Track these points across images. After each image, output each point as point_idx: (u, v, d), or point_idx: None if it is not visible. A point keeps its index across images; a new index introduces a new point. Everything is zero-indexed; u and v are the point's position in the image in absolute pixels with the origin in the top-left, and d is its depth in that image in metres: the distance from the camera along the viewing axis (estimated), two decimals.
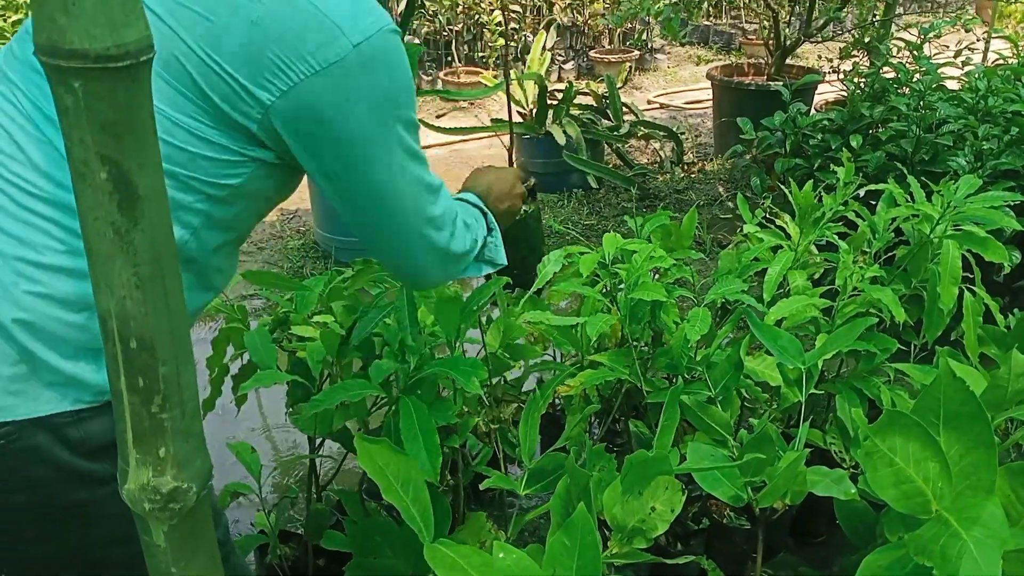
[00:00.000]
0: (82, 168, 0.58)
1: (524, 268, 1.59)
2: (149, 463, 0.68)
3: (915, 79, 2.95)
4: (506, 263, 1.30)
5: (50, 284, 0.85)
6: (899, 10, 7.40)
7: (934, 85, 2.93)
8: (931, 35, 3.26)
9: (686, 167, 4.27)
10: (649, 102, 5.52)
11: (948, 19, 3.41)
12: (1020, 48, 3.34)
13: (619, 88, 4.17)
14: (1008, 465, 0.99)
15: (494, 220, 1.28)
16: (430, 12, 5.88)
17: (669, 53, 6.46)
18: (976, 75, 2.91)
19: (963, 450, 0.92)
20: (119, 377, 0.65)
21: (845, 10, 4.25)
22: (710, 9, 6.15)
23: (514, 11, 5.98)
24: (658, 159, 4.36)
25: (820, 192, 2.05)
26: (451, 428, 1.61)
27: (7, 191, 0.85)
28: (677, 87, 5.83)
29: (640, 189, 3.92)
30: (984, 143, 2.68)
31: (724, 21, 6.80)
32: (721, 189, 4.00)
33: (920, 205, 1.88)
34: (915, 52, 3.22)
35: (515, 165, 4.13)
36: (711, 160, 4.37)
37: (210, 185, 0.90)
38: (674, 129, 4.42)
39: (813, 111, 4.01)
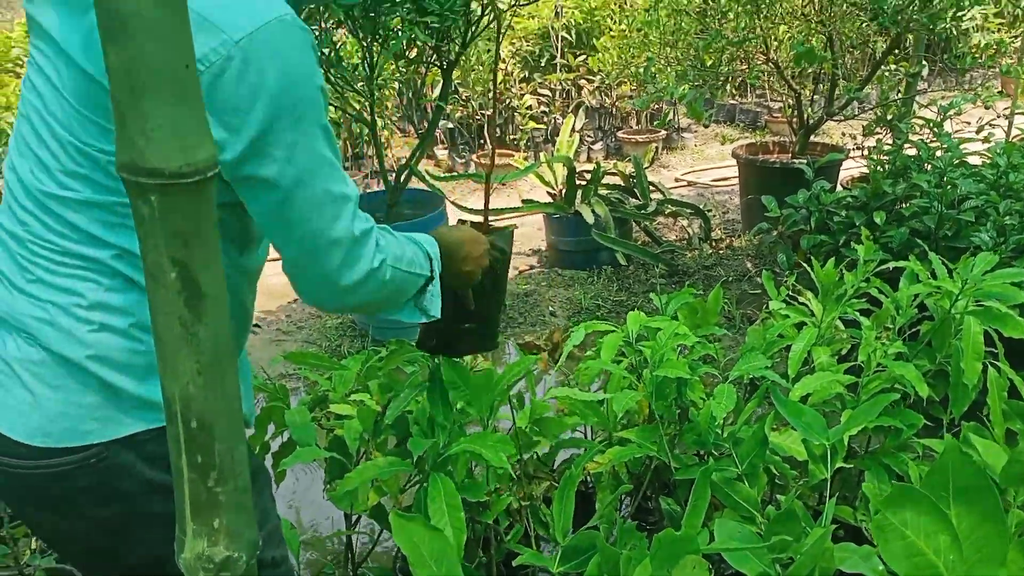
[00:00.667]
0: (155, 270, 0.66)
1: (488, 323, 1.51)
2: (204, 534, 0.74)
3: (936, 156, 3.01)
4: (439, 316, 1.24)
5: (105, 319, 0.96)
6: (923, 85, 7.51)
7: (955, 161, 2.99)
8: (951, 112, 3.33)
9: (714, 243, 4.33)
10: (677, 180, 5.63)
11: (968, 96, 3.48)
12: None
13: (646, 167, 4.28)
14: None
15: (438, 270, 1.21)
16: (463, 97, 6.10)
17: (696, 132, 6.61)
18: (997, 151, 2.97)
19: (974, 523, 0.94)
20: (180, 455, 0.72)
21: (867, 88, 4.36)
22: (733, 90, 6.29)
23: (544, 95, 6.18)
24: (686, 236, 4.43)
25: (842, 269, 2.10)
26: (483, 504, 1.65)
27: (43, 255, 0.97)
28: (704, 165, 5.94)
29: (669, 265, 3.98)
30: (1006, 219, 2.71)
31: (750, 100, 6.96)
32: (749, 265, 4.05)
33: (941, 281, 1.92)
34: (936, 129, 3.29)
35: (546, 243, 4.25)
36: (739, 236, 4.43)
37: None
38: (701, 206, 4.51)
39: (839, 187, 4.07)
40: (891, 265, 2.14)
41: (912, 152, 3.25)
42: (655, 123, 6.01)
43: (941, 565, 0.91)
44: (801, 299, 2.09)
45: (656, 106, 6.27)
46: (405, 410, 1.60)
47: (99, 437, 0.97)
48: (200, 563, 0.75)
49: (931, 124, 3.29)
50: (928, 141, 3.27)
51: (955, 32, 8.07)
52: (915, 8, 3.42)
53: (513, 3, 3.47)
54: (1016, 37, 6.75)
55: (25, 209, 0.97)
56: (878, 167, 3.16)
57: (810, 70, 4.13)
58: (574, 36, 6.32)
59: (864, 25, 3.64)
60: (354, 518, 1.80)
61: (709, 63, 3.85)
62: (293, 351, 1.77)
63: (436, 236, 1.24)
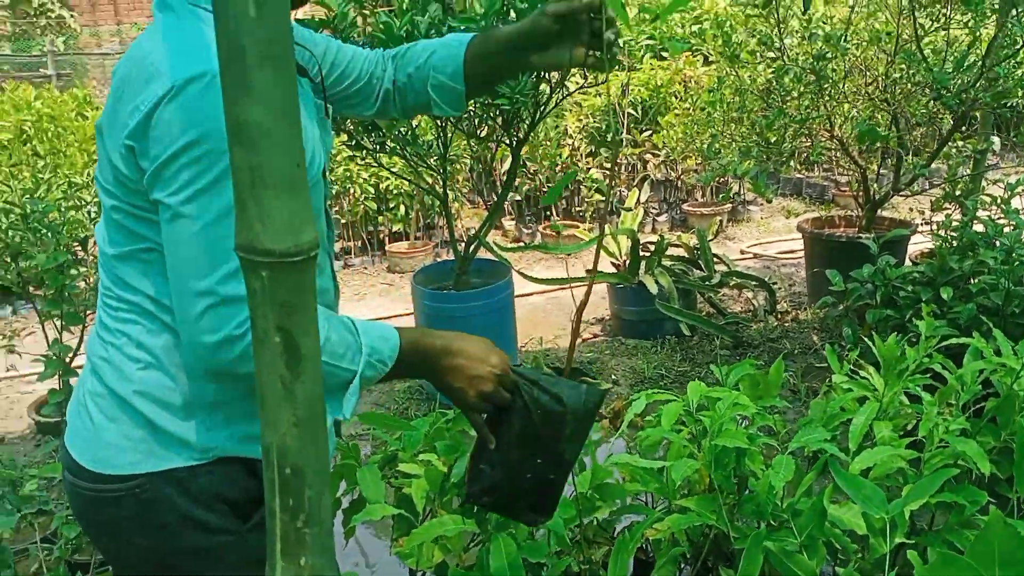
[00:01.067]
0: (261, 334, 0.77)
1: (562, 476, 1.31)
2: (292, 572, 0.83)
3: (1004, 232, 3.00)
4: (347, 417, 1.10)
5: (148, 358, 1.09)
6: (995, 160, 7.41)
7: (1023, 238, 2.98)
8: (1019, 189, 3.32)
9: (780, 316, 4.33)
10: (742, 252, 5.66)
11: None
12: None
13: (710, 239, 4.34)
14: None
15: (373, 371, 1.09)
16: (531, 171, 6.29)
17: (761, 205, 6.64)
18: None
19: None
20: (274, 498, 0.81)
21: (936, 163, 4.36)
22: (799, 164, 6.33)
23: (610, 168, 6.33)
24: (752, 308, 4.45)
25: (904, 344, 2.11)
26: (543, 566, 1.70)
27: (107, 303, 1.14)
28: (770, 238, 5.96)
29: (733, 337, 4.00)
30: None
31: (817, 174, 6.97)
32: (815, 338, 4.03)
33: (1005, 358, 1.92)
34: (1004, 205, 3.28)
35: (610, 312, 4.31)
36: (804, 309, 4.43)
37: None
38: (767, 278, 4.53)
39: (907, 262, 4.05)
40: (956, 341, 2.15)
41: (980, 228, 3.25)
42: (719, 196, 6.07)
43: None
44: (862, 373, 2.11)
45: (721, 179, 6.34)
46: None
47: (143, 468, 1.10)
48: None
49: (998, 201, 3.28)
50: (996, 217, 3.26)
51: None
52: (980, 87, 3.44)
53: (581, 85, 3.63)
54: None
55: (101, 266, 1.15)
56: (945, 243, 3.15)
57: (876, 146, 4.16)
58: (640, 112, 6.47)
59: (928, 103, 3.68)
60: (419, 575, 1.86)
61: (773, 140, 3.92)
62: (365, 412, 1.87)
63: (421, 334, 1.17)
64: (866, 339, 2.30)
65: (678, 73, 5.94)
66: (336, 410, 1.09)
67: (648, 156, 6.29)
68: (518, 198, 6.37)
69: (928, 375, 2.10)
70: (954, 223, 3.16)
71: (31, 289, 3.81)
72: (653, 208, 6.43)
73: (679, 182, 6.45)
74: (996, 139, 7.52)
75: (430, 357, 1.16)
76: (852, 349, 2.39)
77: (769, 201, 5.10)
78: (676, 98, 6.07)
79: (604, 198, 6.15)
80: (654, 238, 4.34)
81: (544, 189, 6.34)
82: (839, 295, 3.35)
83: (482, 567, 1.58)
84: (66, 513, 2.13)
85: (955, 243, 3.23)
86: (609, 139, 6.45)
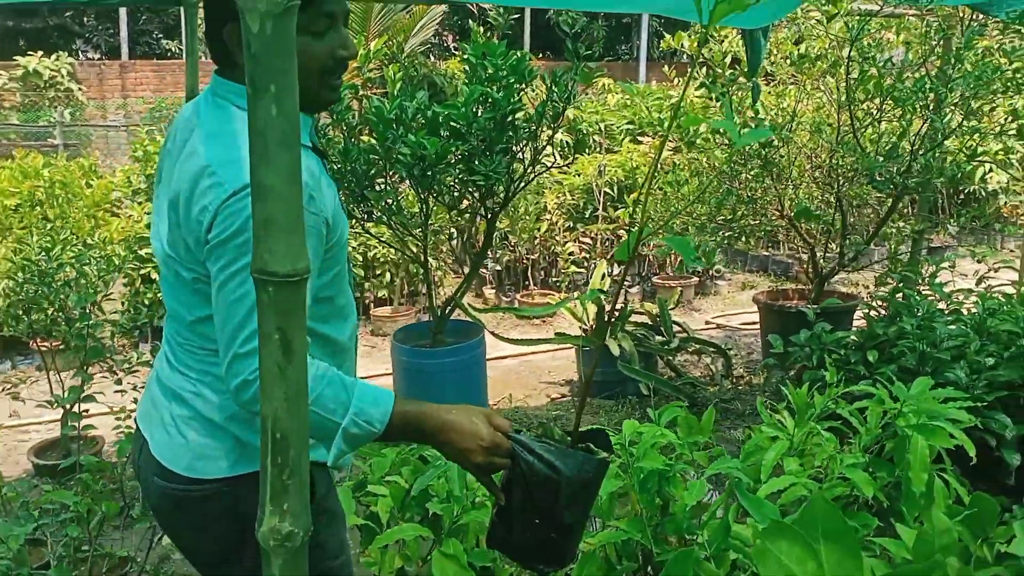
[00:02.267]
0: (266, 333, 1.08)
1: (566, 535, 1.40)
2: (277, 513, 1.12)
3: (921, 302, 3.36)
4: (330, 463, 1.30)
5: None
6: (952, 241, 7.87)
7: (942, 307, 3.33)
8: (944, 265, 3.69)
9: (735, 380, 4.65)
10: (707, 322, 6.01)
11: (962, 252, 3.84)
12: None
13: (672, 308, 4.68)
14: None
15: (359, 428, 1.27)
16: (511, 242, 6.67)
17: (729, 280, 7.03)
18: (979, 300, 3.31)
19: (839, 557, 1.26)
20: (267, 456, 1.11)
21: (887, 241, 4.75)
22: (767, 242, 6.75)
23: (585, 243, 6.72)
24: (710, 372, 4.76)
25: (814, 392, 2.44)
26: (489, 571, 1.97)
27: (187, 354, 1.42)
28: (734, 310, 6.32)
29: (689, 397, 4.30)
30: (985, 358, 3.02)
31: (782, 252, 7.38)
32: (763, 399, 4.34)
33: (886, 405, 2.24)
34: (929, 279, 3.65)
35: (578, 374, 4.62)
36: (758, 374, 4.74)
37: None
38: (727, 347, 4.86)
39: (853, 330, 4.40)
40: (858, 389, 2.47)
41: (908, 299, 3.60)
42: (686, 269, 6.45)
43: None
44: (777, 416, 2.42)
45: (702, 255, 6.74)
46: (429, 486, 1.96)
47: (229, 472, 1.39)
48: (272, 534, 1.12)
49: (922, 277, 3.65)
50: (923, 291, 3.62)
51: (983, 193, 8.50)
52: (909, 175, 3.85)
53: (552, 164, 4.02)
54: None
55: (176, 321, 1.44)
56: (870, 311, 3.50)
57: (823, 225, 4.55)
58: (615, 191, 6.90)
59: (864, 188, 4.08)
60: None
61: (729, 217, 4.31)
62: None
63: (416, 408, 1.33)
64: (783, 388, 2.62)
65: (644, 156, 6.39)
66: (323, 455, 1.32)
67: (621, 232, 6.69)
68: (499, 268, 6.73)
69: (839, 421, 2.42)
70: (879, 293, 3.51)
71: (38, 341, 4.10)
72: (627, 280, 6.79)
73: (650, 256, 6.83)
74: (952, 224, 7.98)
75: (423, 431, 1.33)
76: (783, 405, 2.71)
77: (718, 271, 5.46)
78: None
79: (579, 269, 6.52)
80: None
81: (523, 260, 6.72)
82: (781, 358, 3.67)
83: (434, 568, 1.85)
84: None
85: (887, 313, 3.59)
86: (587, 216, 6.87)
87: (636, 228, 1.57)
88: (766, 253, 7.38)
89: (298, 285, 1.07)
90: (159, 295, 4.30)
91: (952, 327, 3.20)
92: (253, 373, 1.21)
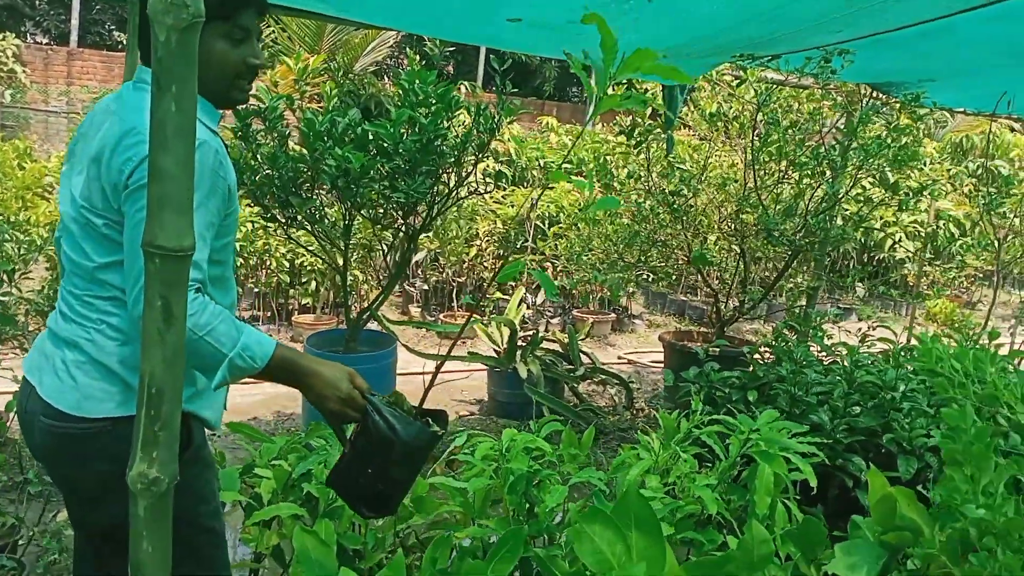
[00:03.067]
0: (150, 300, 1.23)
1: (391, 489, 1.63)
2: (146, 460, 1.27)
3: (799, 351, 3.64)
4: (212, 387, 1.47)
5: (125, 336, 1.53)
6: (857, 303, 8.30)
7: (826, 359, 3.62)
8: (826, 320, 3.99)
9: (635, 411, 4.88)
10: (619, 357, 6.25)
11: (842, 312, 4.15)
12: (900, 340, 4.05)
13: (583, 339, 4.90)
14: (687, 565, 1.50)
15: (246, 362, 1.45)
16: (441, 265, 6.84)
17: (648, 321, 7.32)
18: (848, 354, 3.60)
19: (646, 544, 1.45)
20: (142, 408, 1.26)
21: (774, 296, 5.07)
22: (682, 287, 7.06)
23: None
24: (614, 403, 4.99)
25: (681, 418, 2.66)
26: (360, 555, 2.11)
27: (81, 304, 1.57)
28: (647, 348, 6.58)
29: (587, 423, 4.51)
30: (852, 406, 3.30)
31: (698, 298, 7.71)
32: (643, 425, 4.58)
33: (744, 434, 2.47)
34: (813, 332, 3.94)
35: (487, 394, 4.79)
36: (658, 408, 4.98)
37: None
38: (630, 380, 5.09)
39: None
40: (722, 419, 2.70)
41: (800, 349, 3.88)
42: (610, 306, 6.71)
43: (614, 561, 1.41)
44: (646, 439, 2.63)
45: (621, 293, 7.01)
46: (310, 470, 2.11)
47: (115, 413, 1.53)
48: (140, 479, 1.27)
49: (811, 329, 3.94)
50: (808, 344, 3.91)
51: (891, 260, 8.98)
52: (802, 234, 4.16)
53: (474, 192, 4.22)
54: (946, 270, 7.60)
55: (74, 275, 1.58)
56: (754, 356, 3.77)
57: (727, 273, 4.85)
58: (547, 225, 7.15)
59: (765, 243, 4.37)
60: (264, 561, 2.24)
61: (638, 258, 4.57)
62: (235, 422, 2.29)
63: (294, 354, 1.52)
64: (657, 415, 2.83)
65: (566, 195, 6.66)
66: (203, 409, 1.57)
67: (547, 264, 6.92)
68: (426, 288, 6.89)
69: (705, 448, 2.63)
70: (765, 340, 3.78)
71: None
72: (549, 311, 7.02)
73: (575, 291, 7.08)
74: (860, 287, 8.42)
75: (295, 373, 1.53)
76: None
77: (625, 308, 5.72)
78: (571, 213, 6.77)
79: (505, 296, 6.72)
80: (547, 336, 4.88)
81: (451, 283, 6.89)
82: (672, 391, 3.91)
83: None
84: None
85: (768, 360, 3.86)
86: (518, 246, 7.09)
87: (518, 259, 1.76)
88: (684, 298, 7.71)
89: (182, 260, 1.23)
90: None
91: (824, 376, 3.48)
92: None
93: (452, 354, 4.11)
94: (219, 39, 1.55)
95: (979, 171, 9.94)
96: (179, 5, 1.08)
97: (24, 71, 12.25)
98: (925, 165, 9.44)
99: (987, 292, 9.97)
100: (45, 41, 17.78)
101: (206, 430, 1.73)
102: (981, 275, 8.69)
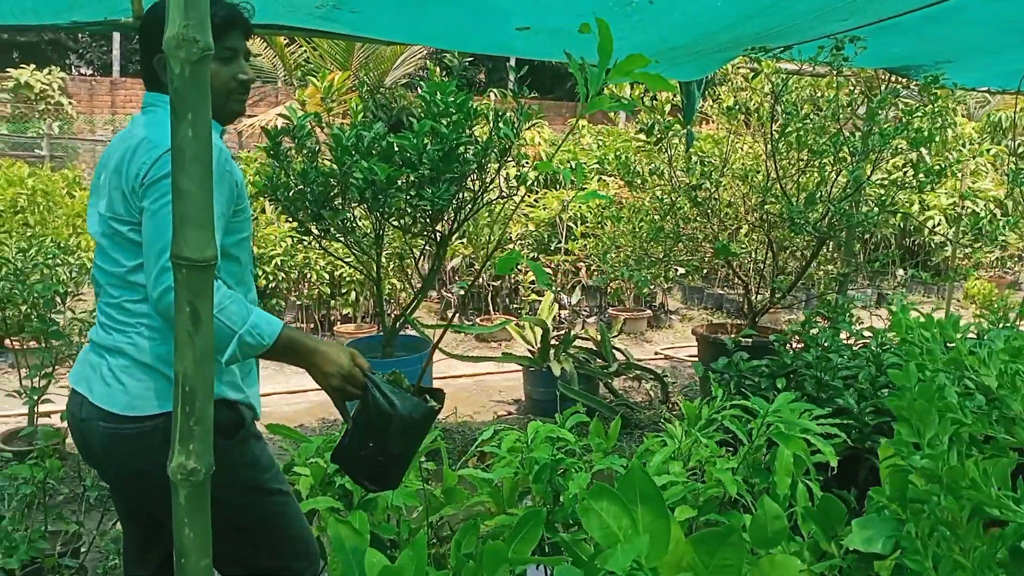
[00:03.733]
0: (179, 305, 1.36)
1: (392, 462, 1.73)
2: (184, 453, 1.39)
3: (825, 336, 3.67)
4: (223, 363, 1.57)
5: (161, 335, 1.69)
6: (902, 289, 8.22)
7: (855, 343, 3.65)
8: (853, 306, 4.01)
9: (671, 405, 4.94)
10: (656, 353, 6.31)
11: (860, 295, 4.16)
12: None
13: (616, 335, 4.97)
14: (692, 537, 1.58)
15: (253, 338, 1.57)
16: (476, 268, 6.97)
17: (682, 315, 7.35)
18: (873, 337, 3.62)
19: (651, 518, 1.54)
20: (178, 405, 1.39)
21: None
22: (698, 278, 7.10)
23: (546, 271, 7.03)
24: (649, 397, 5.05)
25: (702, 405, 2.73)
26: (395, 544, 2.23)
27: (119, 311, 1.72)
28: (683, 343, 6.62)
29: (625, 419, 4.57)
30: (880, 389, 3.33)
31: (735, 291, 7.71)
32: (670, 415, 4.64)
33: (759, 418, 2.53)
34: (840, 317, 3.97)
35: (524, 393, 4.89)
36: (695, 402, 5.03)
37: None
38: (664, 374, 5.15)
39: None
40: (741, 404, 2.76)
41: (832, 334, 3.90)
42: (645, 303, 6.75)
43: (620, 534, 1.49)
44: (668, 427, 2.71)
45: (650, 289, 7.07)
46: None
47: (159, 409, 1.67)
48: (179, 470, 1.40)
49: (833, 312, 3.96)
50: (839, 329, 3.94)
51: (931, 244, 8.87)
52: (828, 222, 4.19)
53: (500, 196, 4.33)
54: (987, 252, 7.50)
55: (111, 285, 1.73)
56: (782, 346, 3.81)
57: (752, 264, 4.88)
58: (578, 225, 7.24)
59: (789, 232, 4.40)
60: None
61: (665, 253, 4.63)
62: (274, 424, 2.43)
63: (300, 335, 1.66)
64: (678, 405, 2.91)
65: (599, 193, 6.74)
66: (220, 358, 1.59)
67: (580, 264, 7.01)
68: (462, 292, 7.02)
69: (730, 435, 2.70)
70: (792, 327, 3.82)
71: (9, 340, 4.33)
72: (585, 311, 7.10)
73: (608, 289, 7.15)
74: (900, 272, 8.33)
75: (300, 352, 1.66)
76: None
77: (652, 300, 5.77)
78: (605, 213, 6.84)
79: (539, 297, 6.82)
80: (582, 334, 4.97)
81: (487, 287, 7.02)
82: (703, 383, 3.96)
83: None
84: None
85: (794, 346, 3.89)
86: (551, 247, 7.18)
87: (509, 251, 1.88)
88: (720, 292, 7.72)
89: (205, 269, 1.36)
90: None
91: (851, 360, 3.51)
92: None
93: (488, 356, 4.22)
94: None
95: (1020, 149, 9.75)
96: (190, 41, 1.21)
97: (70, 102, 12.73)
98: (964, 146, 9.31)
99: None
100: (89, 72, 18.41)
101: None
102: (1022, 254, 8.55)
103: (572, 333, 4.76)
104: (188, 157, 1.28)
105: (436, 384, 4.88)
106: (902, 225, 8.47)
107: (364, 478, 1.78)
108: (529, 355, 4.92)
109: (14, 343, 4.28)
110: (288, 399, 5.09)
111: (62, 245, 3.88)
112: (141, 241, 1.64)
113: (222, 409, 1.71)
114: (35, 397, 3.56)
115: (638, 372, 4.97)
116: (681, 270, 5.48)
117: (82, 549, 2.92)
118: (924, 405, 1.08)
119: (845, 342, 3.76)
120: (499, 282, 7.01)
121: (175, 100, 1.24)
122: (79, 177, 7.12)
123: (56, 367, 3.62)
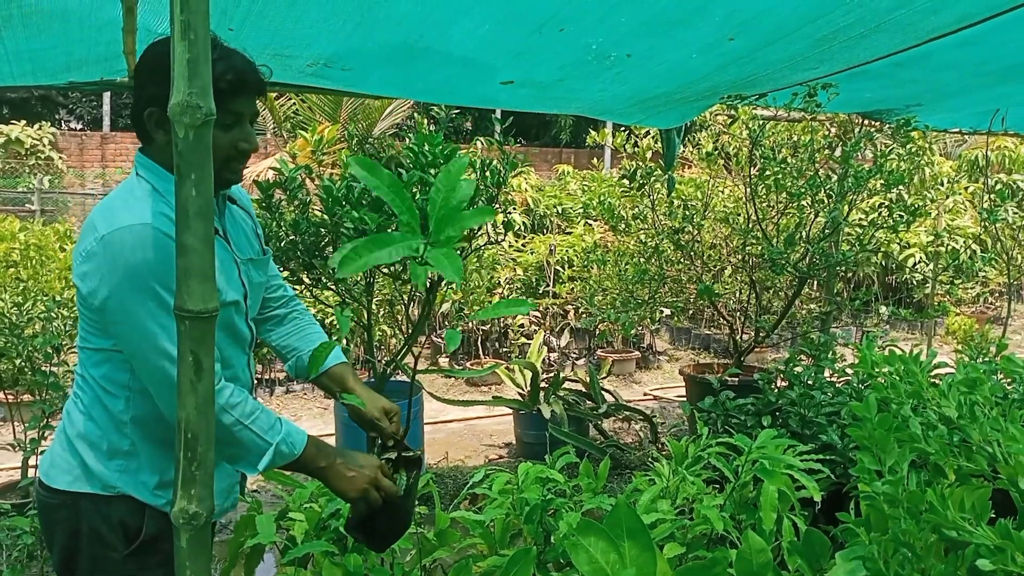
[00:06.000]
0: (182, 355, 1.43)
1: (385, 534, 1.91)
2: (186, 497, 1.45)
3: (808, 373, 3.75)
4: (251, 473, 1.64)
5: (91, 414, 1.63)
6: (886, 327, 8.33)
7: (837, 380, 3.73)
8: (835, 344, 4.10)
9: (660, 445, 4.98)
10: (645, 394, 6.36)
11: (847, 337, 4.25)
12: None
13: (604, 377, 5.03)
14: (678, 570, 1.63)
15: (285, 450, 1.60)
16: (465, 314, 7.04)
17: (671, 356, 7.42)
18: (855, 375, 3.70)
19: (637, 552, 1.59)
20: (180, 451, 1.44)
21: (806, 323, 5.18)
22: (684, 319, 7.19)
23: (534, 316, 7.10)
24: (639, 438, 5.09)
25: (688, 444, 2.79)
26: None
27: (75, 381, 1.71)
28: (672, 383, 6.68)
29: (615, 460, 4.62)
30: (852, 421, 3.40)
31: (721, 331, 7.80)
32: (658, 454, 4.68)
33: (744, 455, 2.59)
34: (822, 355, 4.05)
35: (514, 436, 4.93)
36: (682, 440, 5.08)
37: None
38: (653, 415, 5.21)
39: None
40: (726, 441, 2.82)
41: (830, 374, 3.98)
42: (633, 344, 6.83)
43: (608, 570, 1.55)
44: (656, 466, 2.76)
45: (637, 330, 7.15)
46: (337, 510, 2.27)
47: (74, 488, 1.61)
48: (181, 514, 1.45)
49: (822, 353, 4.05)
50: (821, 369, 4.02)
51: (913, 281, 9.01)
52: (808, 262, 4.29)
53: (487, 243, 4.42)
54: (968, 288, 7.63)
55: (79, 348, 1.71)
56: (767, 384, 3.88)
57: (740, 305, 4.98)
58: (565, 269, 7.34)
59: (770, 273, 4.51)
60: None
61: (650, 295, 4.73)
62: (271, 471, 2.46)
63: (322, 442, 1.71)
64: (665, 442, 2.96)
65: (579, 240, 6.86)
66: (250, 469, 1.60)
67: (568, 307, 7.09)
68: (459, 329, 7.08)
69: (716, 472, 2.75)
70: (774, 366, 3.89)
71: (3, 393, 4.36)
72: (574, 353, 7.16)
73: (596, 331, 7.22)
74: (884, 309, 8.43)
75: (320, 466, 1.68)
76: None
77: (638, 339, 5.84)
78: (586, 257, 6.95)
79: (528, 340, 6.88)
80: (571, 376, 5.03)
81: (477, 331, 7.08)
82: (690, 422, 4.02)
83: None
84: None
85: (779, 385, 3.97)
86: (540, 291, 7.27)
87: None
88: (707, 332, 7.81)
89: (207, 320, 1.43)
90: None
91: (833, 397, 3.58)
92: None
93: (478, 400, 4.27)
94: None
95: (997, 186, 9.96)
96: (194, 107, 1.30)
97: (61, 157, 12.85)
98: (942, 185, 9.51)
99: (1016, 307, 9.93)
100: (79, 127, 18.60)
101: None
102: (1004, 290, 8.69)
103: (561, 375, 4.82)
104: (191, 214, 1.36)
105: (427, 428, 4.91)
106: (884, 263, 8.61)
107: (370, 544, 1.95)
108: (519, 398, 4.97)
109: (8, 396, 4.31)
110: None
111: (56, 299, 3.95)
112: (86, 316, 1.62)
113: (132, 507, 1.63)
114: (33, 449, 3.58)
115: (627, 413, 5.02)
116: (667, 311, 5.57)
117: None
118: (883, 434, 1.15)
119: (828, 379, 3.84)
120: (488, 326, 7.08)
121: (179, 161, 1.33)
122: (70, 231, 7.19)
123: (51, 418, 3.65)
